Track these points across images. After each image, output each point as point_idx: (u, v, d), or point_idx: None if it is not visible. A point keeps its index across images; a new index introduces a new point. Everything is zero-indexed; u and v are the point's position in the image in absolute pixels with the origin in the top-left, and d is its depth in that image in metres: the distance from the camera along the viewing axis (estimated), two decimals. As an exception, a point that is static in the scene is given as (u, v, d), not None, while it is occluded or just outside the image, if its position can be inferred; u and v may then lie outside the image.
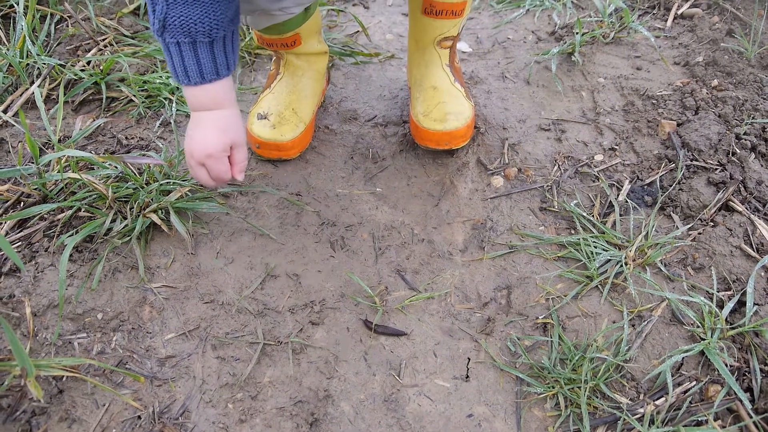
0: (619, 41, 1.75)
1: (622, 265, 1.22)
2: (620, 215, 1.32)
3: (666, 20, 1.84)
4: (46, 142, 1.44)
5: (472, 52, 1.78)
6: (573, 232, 1.31)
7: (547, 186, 1.39)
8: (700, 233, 1.28)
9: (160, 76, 1.59)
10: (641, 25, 1.79)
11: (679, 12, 1.86)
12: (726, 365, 1.08)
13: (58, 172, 1.28)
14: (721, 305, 1.17)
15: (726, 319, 1.14)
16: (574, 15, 1.88)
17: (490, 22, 1.91)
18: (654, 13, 1.88)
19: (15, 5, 1.71)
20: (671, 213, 1.33)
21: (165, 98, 1.55)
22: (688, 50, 1.71)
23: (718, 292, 1.19)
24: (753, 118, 1.45)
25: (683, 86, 1.58)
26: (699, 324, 1.14)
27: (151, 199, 1.27)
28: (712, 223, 1.29)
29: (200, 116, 1.10)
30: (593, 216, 1.32)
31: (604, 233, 1.28)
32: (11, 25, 1.73)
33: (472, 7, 1.85)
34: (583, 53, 1.70)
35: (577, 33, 1.71)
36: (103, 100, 1.55)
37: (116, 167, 1.31)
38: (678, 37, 1.78)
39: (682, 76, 1.63)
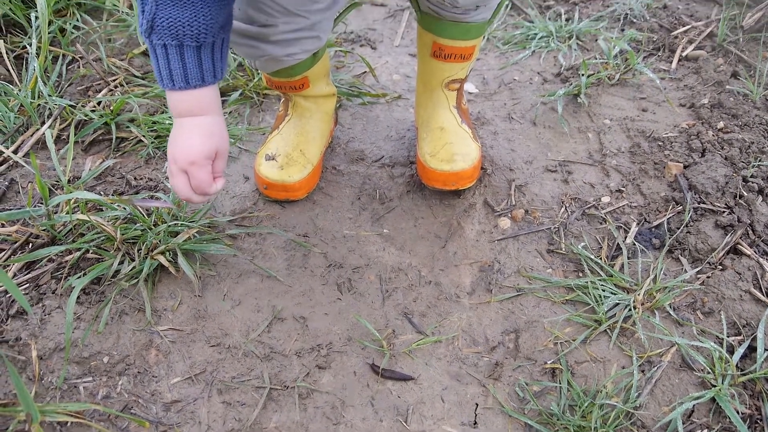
0: (625, 83, 1.77)
1: (630, 309, 1.22)
2: (628, 258, 1.32)
3: (671, 62, 1.86)
4: (56, 183, 1.45)
5: (478, 93, 1.79)
6: (581, 274, 1.31)
7: (555, 228, 1.39)
8: (708, 277, 1.27)
9: (170, 117, 1.60)
10: (646, 66, 1.81)
11: (684, 54, 1.87)
12: (738, 413, 1.07)
13: (67, 213, 1.29)
14: (731, 351, 1.16)
15: (737, 365, 1.13)
16: (580, 57, 1.89)
17: (496, 63, 1.92)
18: (659, 55, 1.89)
19: (27, 46, 1.74)
20: (679, 256, 1.32)
21: (174, 139, 1.56)
22: (693, 92, 1.72)
23: (728, 337, 1.18)
24: (760, 160, 1.45)
25: (689, 128, 1.59)
26: (710, 370, 1.13)
27: (159, 241, 1.28)
28: (720, 267, 1.29)
29: (183, 122, 1.07)
30: (601, 259, 1.32)
31: (612, 276, 1.28)
32: (23, 65, 1.76)
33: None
34: (589, 95, 1.72)
35: (582, 74, 1.73)
36: (113, 141, 1.57)
37: (125, 209, 1.31)
38: (683, 78, 1.79)
39: (687, 118, 1.64)
